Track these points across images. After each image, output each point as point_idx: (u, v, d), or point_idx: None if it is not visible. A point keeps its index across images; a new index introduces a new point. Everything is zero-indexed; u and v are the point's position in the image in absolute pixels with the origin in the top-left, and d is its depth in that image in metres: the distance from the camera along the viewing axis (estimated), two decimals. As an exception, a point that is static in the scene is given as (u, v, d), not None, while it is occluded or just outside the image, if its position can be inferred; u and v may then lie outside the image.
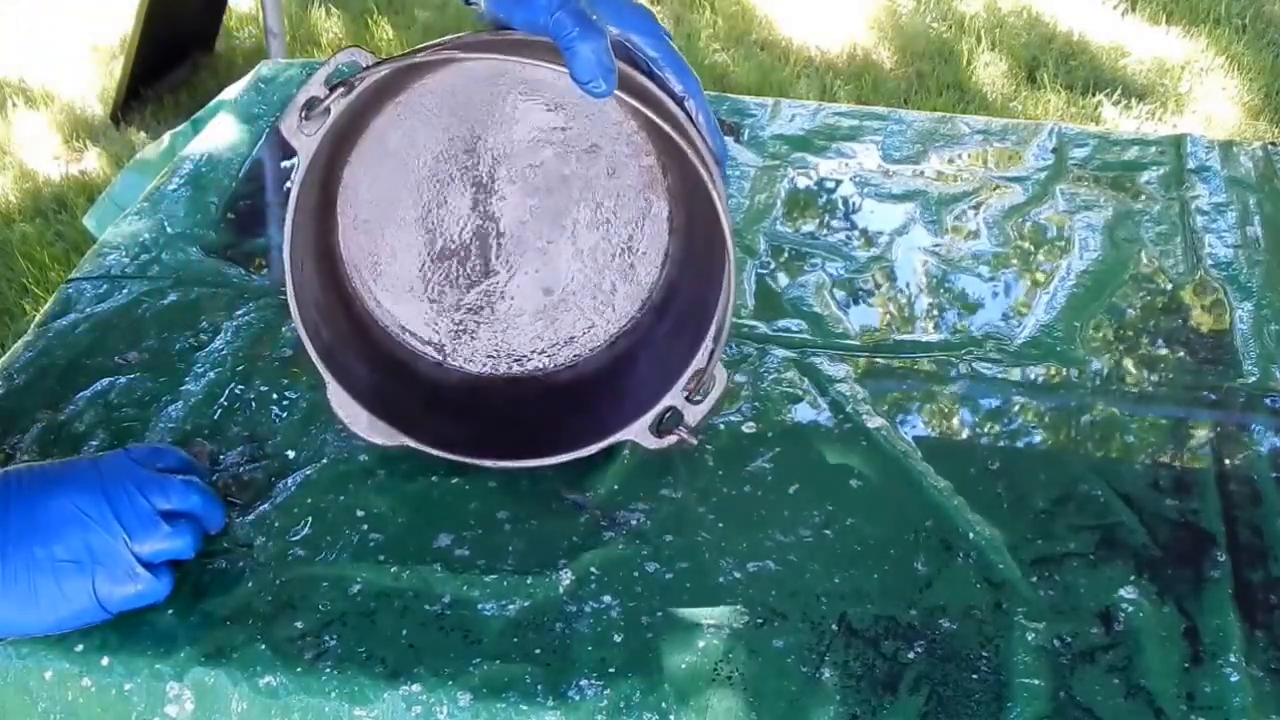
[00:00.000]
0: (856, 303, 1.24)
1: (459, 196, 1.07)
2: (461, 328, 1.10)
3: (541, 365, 1.11)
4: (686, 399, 1.00)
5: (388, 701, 0.87)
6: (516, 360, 1.11)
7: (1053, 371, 1.16)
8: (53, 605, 0.85)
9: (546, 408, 1.09)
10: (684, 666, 0.89)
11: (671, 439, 1.01)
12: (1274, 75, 3.23)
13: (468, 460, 1.02)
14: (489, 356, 1.11)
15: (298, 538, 0.98)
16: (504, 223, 1.08)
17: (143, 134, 3.06)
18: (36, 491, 0.87)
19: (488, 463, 1.02)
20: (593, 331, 1.11)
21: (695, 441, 1.02)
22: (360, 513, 1.00)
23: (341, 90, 0.91)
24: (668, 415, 1.01)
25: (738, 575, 0.96)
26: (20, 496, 0.86)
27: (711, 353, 0.98)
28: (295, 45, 3.31)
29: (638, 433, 1.01)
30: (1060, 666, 0.89)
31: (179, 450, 0.97)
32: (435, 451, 1.02)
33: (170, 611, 0.91)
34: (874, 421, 1.09)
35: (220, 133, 1.48)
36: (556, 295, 1.10)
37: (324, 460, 1.04)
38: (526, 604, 0.93)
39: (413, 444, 1.01)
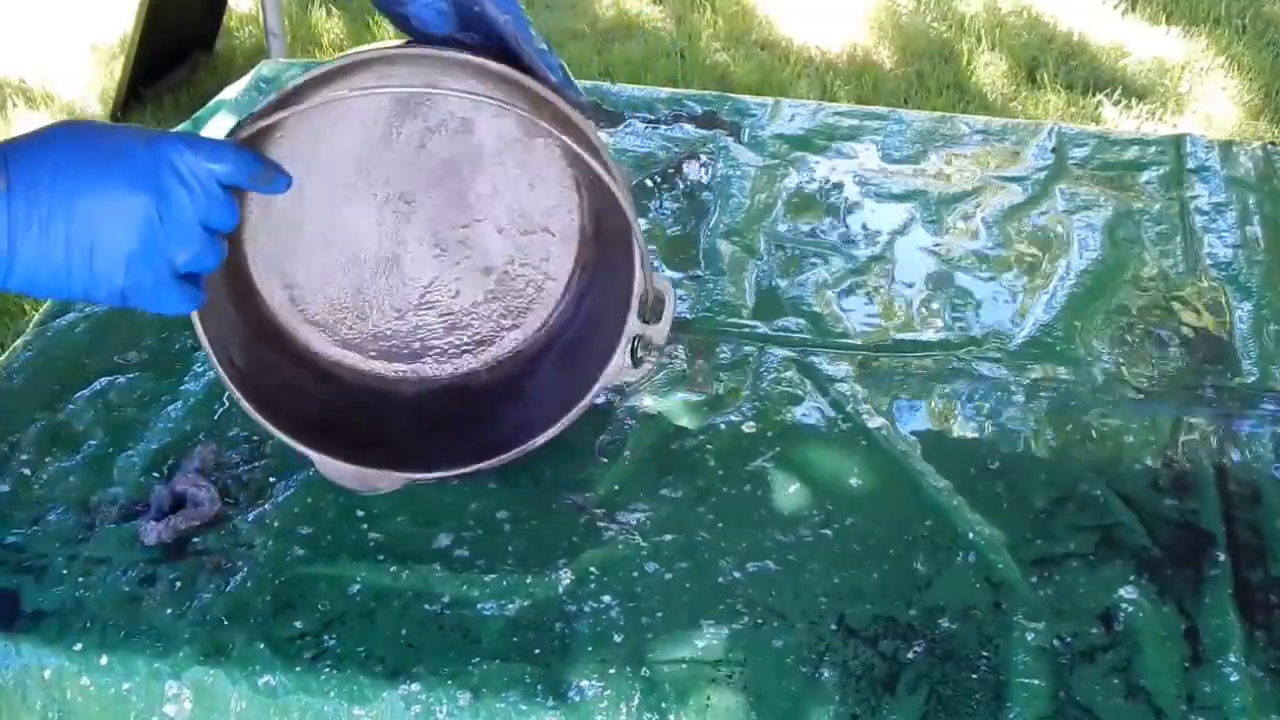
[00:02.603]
0: (856, 302, 1.24)
1: (363, 213, 1.06)
2: (420, 337, 1.09)
3: (516, 340, 1.10)
4: (644, 321, 0.99)
5: (387, 701, 0.87)
6: (489, 344, 1.10)
7: (1053, 371, 1.16)
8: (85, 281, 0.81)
9: (535, 381, 1.08)
10: (684, 666, 0.89)
11: (648, 365, 1.01)
12: (1274, 75, 3.23)
13: (499, 460, 1.01)
14: (464, 353, 1.10)
15: (298, 538, 0.98)
16: (415, 226, 1.07)
17: (143, 134, 3.06)
18: (83, 166, 0.80)
19: (517, 452, 1.01)
20: (549, 287, 1.09)
21: (656, 362, 1.02)
22: (360, 513, 1.00)
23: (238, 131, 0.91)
24: (637, 343, 1.00)
25: (738, 575, 0.96)
26: (67, 171, 0.80)
27: (646, 273, 0.97)
28: (295, 45, 3.31)
29: (618, 370, 1.00)
30: (1060, 666, 0.89)
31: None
32: (455, 472, 1.01)
33: (169, 610, 0.91)
34: (874, 421, 1.09)
35: (220, 133, 1.48)
36: (497, 272, 1.09)
37: (324, 460, 1.04)
38: (526, 604, 0.93)
39: (424, 477, 1.01)
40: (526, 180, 1.07)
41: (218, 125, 1.50)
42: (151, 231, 0.80)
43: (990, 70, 3.32)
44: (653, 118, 1.52)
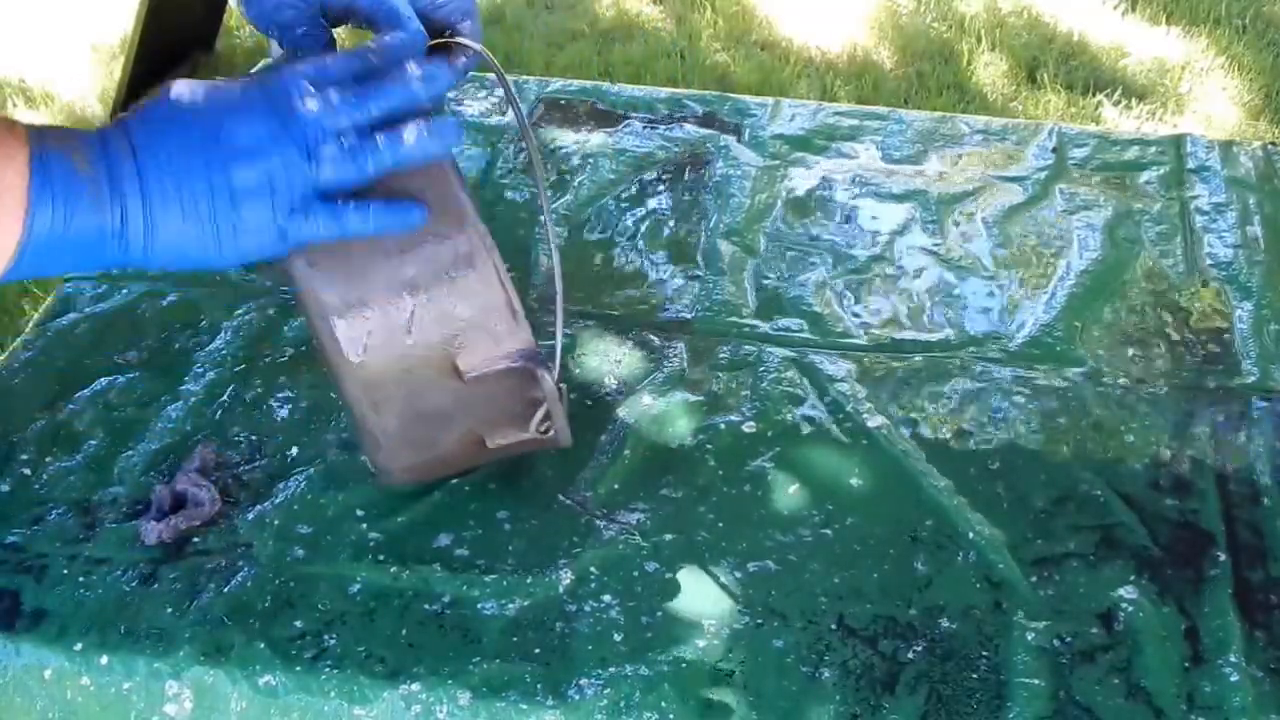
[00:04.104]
0: (856, 302, 1.24)
1: None
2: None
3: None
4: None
5: (387, 701, 0.87)
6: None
7: (1053, 371, 1.16)
8: (233, 236, 0.78)
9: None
10: (684, 666, 0.89)
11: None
12: (1274, 75, 3.23)
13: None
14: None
15: (298, 538, 0.98)
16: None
17: (143, 134, 3.06)
18: (210, 114, 0.78)
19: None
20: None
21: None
22: (360, 512, 1.00)
23: None
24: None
25: (738, 575, 0.96)
26: (196, 119, 0.78)
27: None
28: (295, 45, 3.31)
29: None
30: (1060, 666, 0.89)
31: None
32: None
33: (169, 610, 0.91)
34: (874, 421, 1.09)
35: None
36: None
37: (324, 460, 1.04)
38: (526, 603, 0.93)
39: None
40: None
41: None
42: (281, 156, 0.78)
43: (990, 70, 3.32)
44: (653, 118, 1.52)
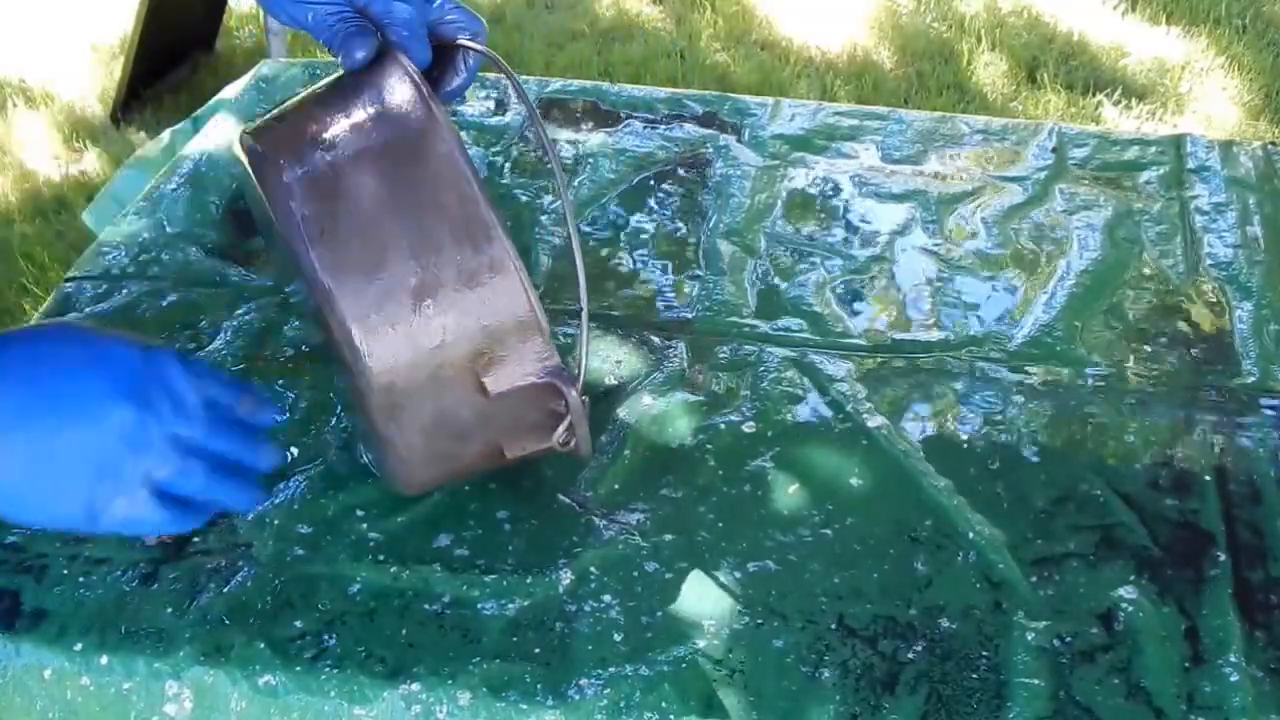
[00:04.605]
0: (856, 302, 1.24)
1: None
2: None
3: None
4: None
5: (387, 701, 0.87)
6: None
7: (1053, 371, 1.16)
8: (46, 501, 0.72)
9: None
10: (684, 666, 0.89)
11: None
12: (1274, 75, 3.23)
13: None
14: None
15: (298, 538, 0.98)
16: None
17: (143, 134, 3.06)
18: (63, 362, 0.73)
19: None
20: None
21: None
22: (360, 512, 1.00)
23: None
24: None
25: (738, 575, 0.96)
26: (47, 363, 0.73)
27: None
28: (296, 45, 3.31)
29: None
30: (1060, 666, 0.89)
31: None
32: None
33: (170, 610, 0.91)
34: (874, 421, 1.09)
35: (220, 132, 1.48)
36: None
37: (324, 460, 1.04)
38: (526, 603, 0.93)
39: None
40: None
41: (218, 124, 1.50)
42: (126, 440, 0.72)
43: (990, 70, 3.32)
44: (653, 118, 1.52)
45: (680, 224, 1.35)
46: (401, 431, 0.89)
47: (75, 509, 0.72)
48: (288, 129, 0.89)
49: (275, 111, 0.93)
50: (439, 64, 0.92)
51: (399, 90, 0.88)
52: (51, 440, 0.71)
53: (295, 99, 0.93)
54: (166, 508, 0.75)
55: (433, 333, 0.86)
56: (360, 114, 0.88)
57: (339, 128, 0.88)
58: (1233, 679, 0.89)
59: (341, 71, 0.91)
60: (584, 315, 0.91)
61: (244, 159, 0.89)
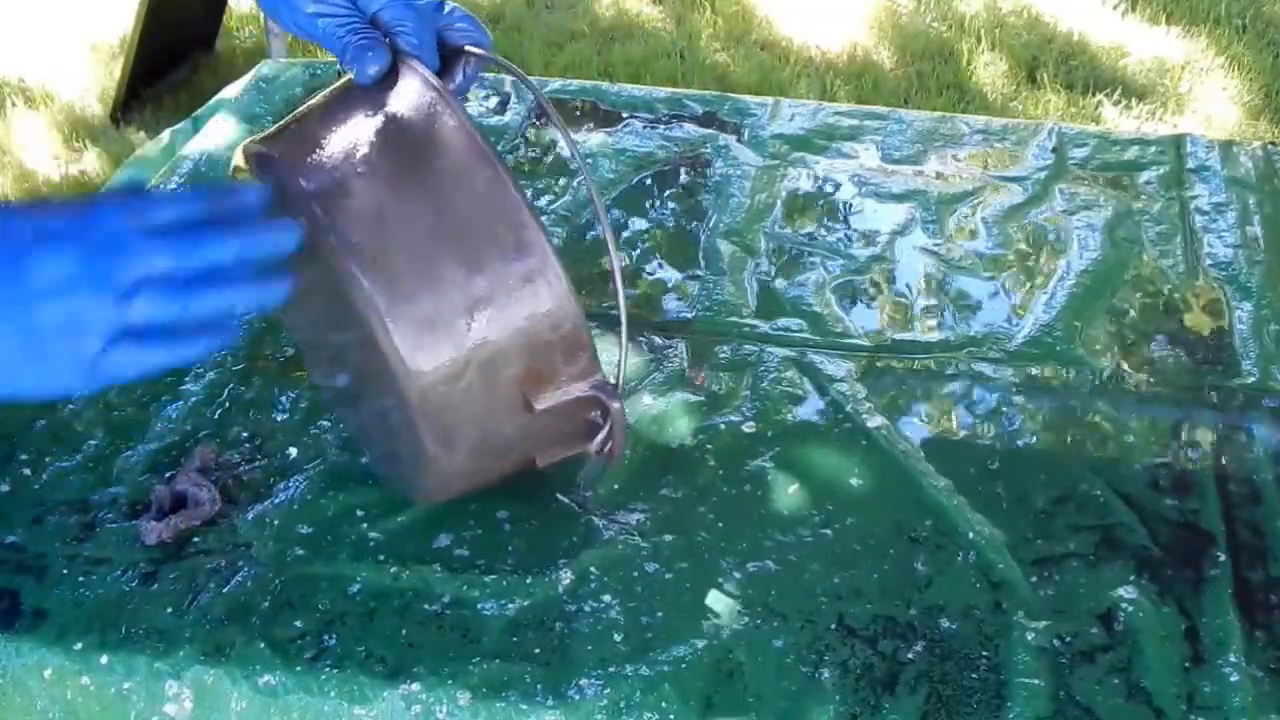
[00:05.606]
0: (856, 302, 1.24)
1: None
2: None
3: None
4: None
5: (387, 701, 0.87)
6: None
7: (1053, 371, 1.16)
8: (38, 372, 0.75)
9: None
10: (684, 666, 0.89)
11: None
12: (1274, 75, 3.23)
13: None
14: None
15: (298, 538, 0.98)
16: None
17: (142, 134, 3.06)
18: (15, 246, 0.74)
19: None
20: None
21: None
22: (360, 513, 1.00)
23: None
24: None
25: (738, 575, 0.96)
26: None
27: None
28: (296, 45, 3.31)
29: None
30: (1060, 666, 0.89)
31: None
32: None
33: (170, 610, 0.91)
34: (874, 421, 1.09)
35: (220, 131, 1.48)
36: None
37: (324, 460, 1.04)
38: (526, 603, 0.93)
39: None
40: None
41: (218, 124, 1.50)
42: (91, 289, 0.73)
43: (990, 70, 3.32)
44: (653, 118, 1.52)
45: (680, 224, 1.35)
46: (449, 452, 0.88)
47: (76, 374, 0.75)
48: (314, 153, 0.87)
49: (287, 133, 0.91)
50: (442, 69, 0.92)
51: (441, 119, 0.86)
52: (29, 323, 0.73)
53: (310, 116, 0.91)
54: (164, 341, 0.76)
55: (485, 354, 0.86)
56: (400, 138, 0.86)
57: (376, 153, 0.86)
58: (1233, 679, 0.89)
59: (347, 78, 0.90)
60: (623, 325, 0.90)
61: (270, 193, 0.84)
